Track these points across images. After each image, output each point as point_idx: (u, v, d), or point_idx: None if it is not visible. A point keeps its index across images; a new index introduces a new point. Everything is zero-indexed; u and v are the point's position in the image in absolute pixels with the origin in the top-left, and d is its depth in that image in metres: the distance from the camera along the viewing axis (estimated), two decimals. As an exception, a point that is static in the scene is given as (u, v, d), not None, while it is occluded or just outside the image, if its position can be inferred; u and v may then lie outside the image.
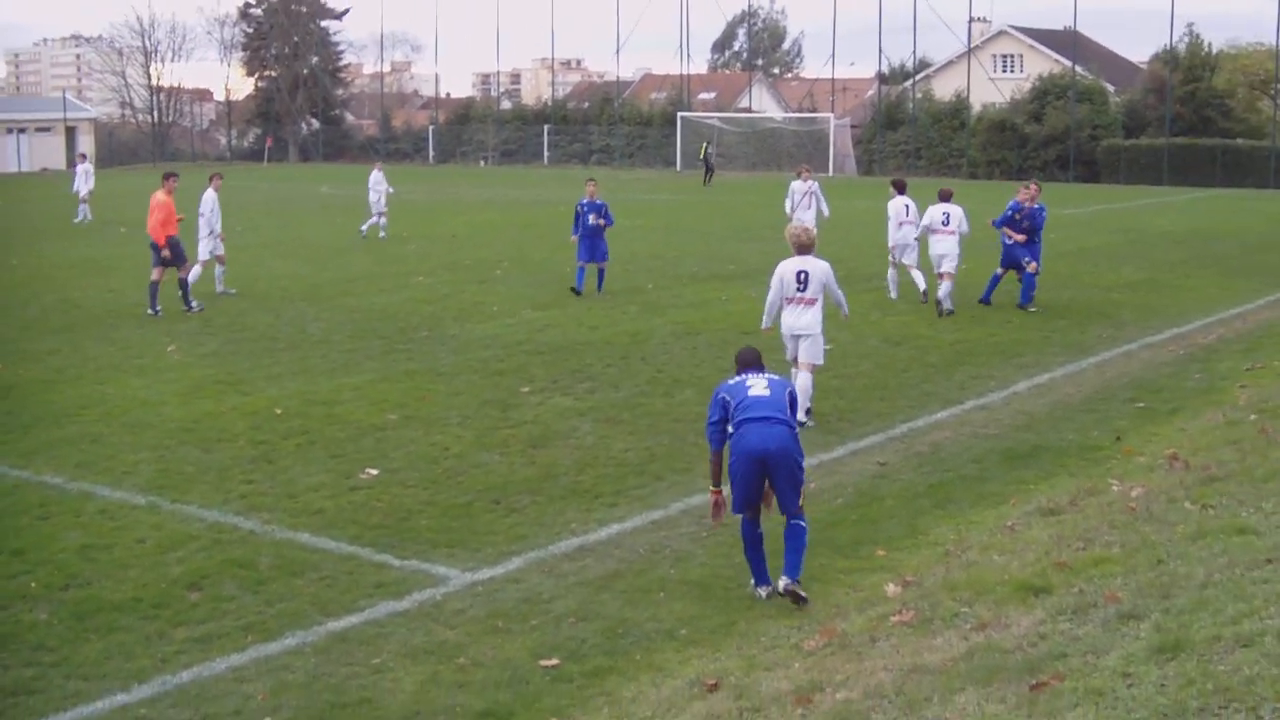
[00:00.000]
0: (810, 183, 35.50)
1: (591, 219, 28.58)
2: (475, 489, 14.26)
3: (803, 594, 10.78)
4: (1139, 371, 20.32)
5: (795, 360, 17.23)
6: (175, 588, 11.41)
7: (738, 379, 11.37)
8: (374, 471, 14.83)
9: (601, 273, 28.75)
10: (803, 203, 35.02)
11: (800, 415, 15.20)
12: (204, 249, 28.55)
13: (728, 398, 11.15)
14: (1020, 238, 25.86)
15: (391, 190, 42.38)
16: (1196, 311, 25.93)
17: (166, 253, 26.26)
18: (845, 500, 13.83)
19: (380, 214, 41.27)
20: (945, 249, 25.77)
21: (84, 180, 49.16)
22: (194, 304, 26.37)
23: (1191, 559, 9.51)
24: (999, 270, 26.33)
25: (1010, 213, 26.24)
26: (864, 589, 10.99)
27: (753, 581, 11.22)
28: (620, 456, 15.49)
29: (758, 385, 11.17)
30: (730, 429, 11.08)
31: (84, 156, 54.95)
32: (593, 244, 28.59)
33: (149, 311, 25.80)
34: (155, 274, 26.33)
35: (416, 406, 18.00)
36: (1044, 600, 9.29)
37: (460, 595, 11.27)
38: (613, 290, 28.41)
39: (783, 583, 10.84)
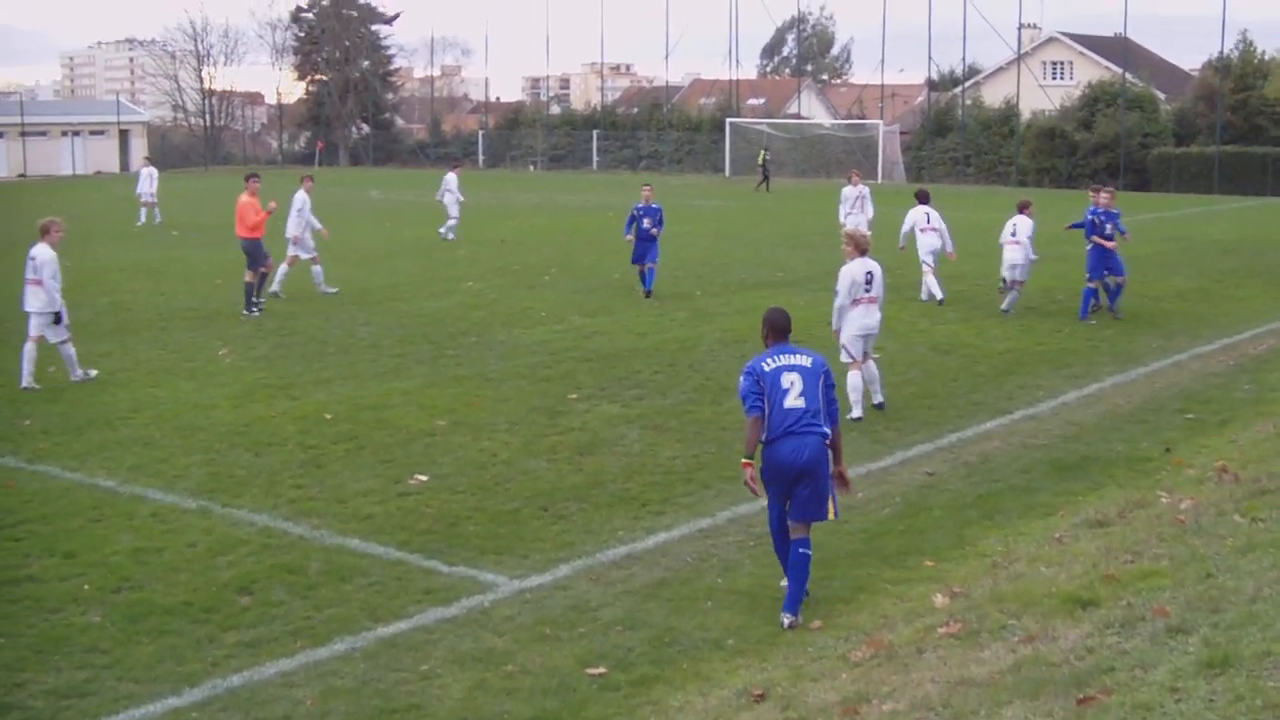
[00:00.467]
0: (861, 187, 35.93)
1: (646, 223, 29.27)
2: (523, 496, 14.31)
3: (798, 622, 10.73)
4: (1189, 382, 20.23)
5: (863, 357, 17.79)
6: (226, 592, 11.50)
7: (772, 361, 11.16)
8: (423, 477, 14.90)
9: (651, 273, 29.39)
10: (856, 207, 35.43)
11: (878, 397, 18.06)
12: (295, 249, 29.30)
13: (762, 384, 11.05)
14: (1111, 244, 25.78)
15: (462, 199, 42.81)
16: (1247, 321, 25.79)
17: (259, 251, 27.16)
18: (893, 510, 13.82)
19: (452, 217, 42.04)
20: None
21: (148, 183, 49.96)
22: (255, 309, 26.72)
23: (1241, 573, 9.46)
24: (1090, 284, 26.18)
25: (1091, 217, 26.05)
26: (911, 600, 10.98)
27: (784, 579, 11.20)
28: (668, 464, 15.52)
29: (793, 384, 10.98)
30: (765, 422, 10.97)
31: (149, 160, 55.94)
32: (645, 246, 29.34)
33: (243, 313, 26.58)
34: (248, 275, 26.94)
35: (465, 412, 18.08)
36: (1092, 613, 9.26)
37: (508, 602, 11.31)
38: (661, 296, 28.46)
39: (786, 620, 10.74)
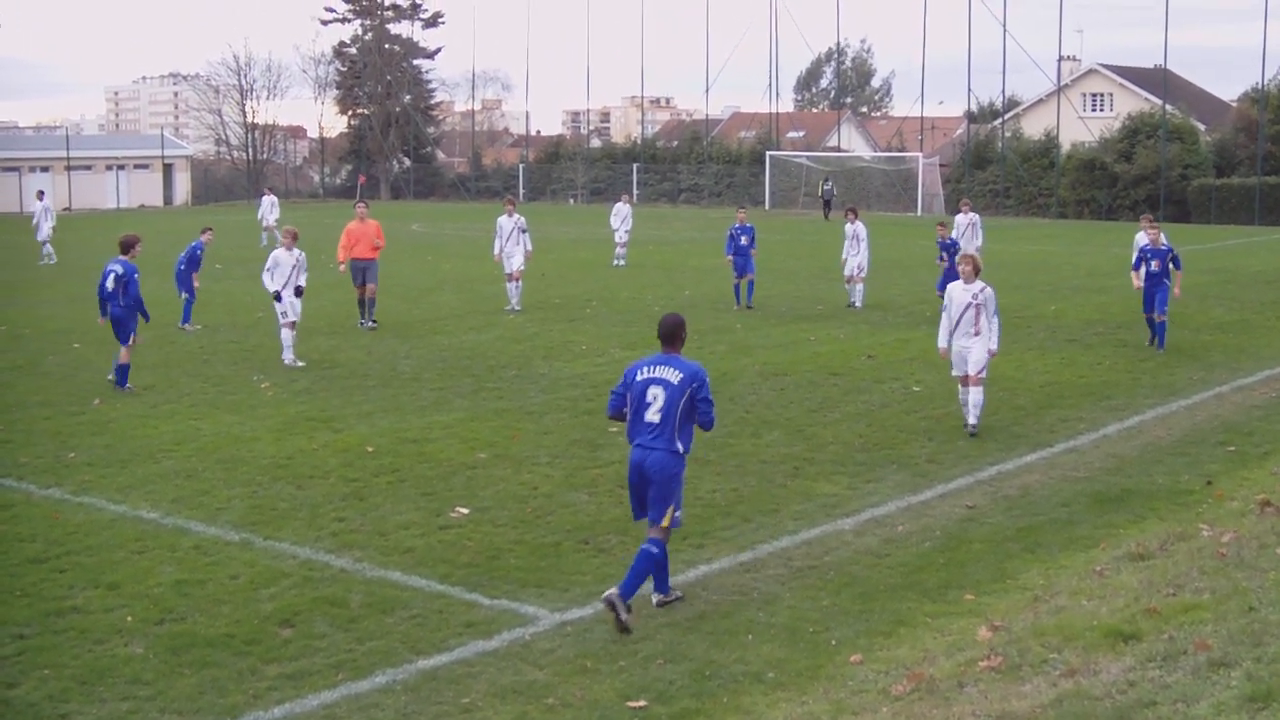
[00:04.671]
0: (972, 215, 38.52)
1: (743, 240, 33.61)
2: (564, 528, 14.35)
3: (622, 614, 11.26)
4: (1230, 414, 20.15)
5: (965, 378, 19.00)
6: (268, 624, 11.56)
7: (645, 371, 11.84)
8: (464, 510, 14.94)
9: (751, 284, 33.76)
10: (966, 234, 37.30)
11: (973, 420, 18.77)
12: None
13: (625, 387, 11.93)
14: (1176, 292, 26.14)
15: (630, 228, 46.42)
16: (1290, 354, 25.66)
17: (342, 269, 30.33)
18: (933, 544, 13.80)
19: (621, 244, 45.90)
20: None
21: (269, 209, 51.87)
22: (368, 322, 29.73)
23: (1283, 607, 9.44)
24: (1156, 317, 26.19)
25: (1140, 252, 26.62)
26: (952, 633, 10.97)
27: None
28: (708, 497, 15.54)
29: (655, 398, 11.67)
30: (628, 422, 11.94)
31: (271, 189, 58.22)
32: (744, 262, 33.66)
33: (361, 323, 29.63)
34: (358, 293, 30.04)
35: (506, 445, 18.14)
36: (1133, 647, 9.24)
37: (549, 635, 11.34)
38: (700, 330, 28.49)
39: (610, 592, 11.39)
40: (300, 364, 24.51)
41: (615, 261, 45.46)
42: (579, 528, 14.37)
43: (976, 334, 18.68)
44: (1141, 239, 27.76)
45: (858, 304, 33.15)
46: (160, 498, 15.59)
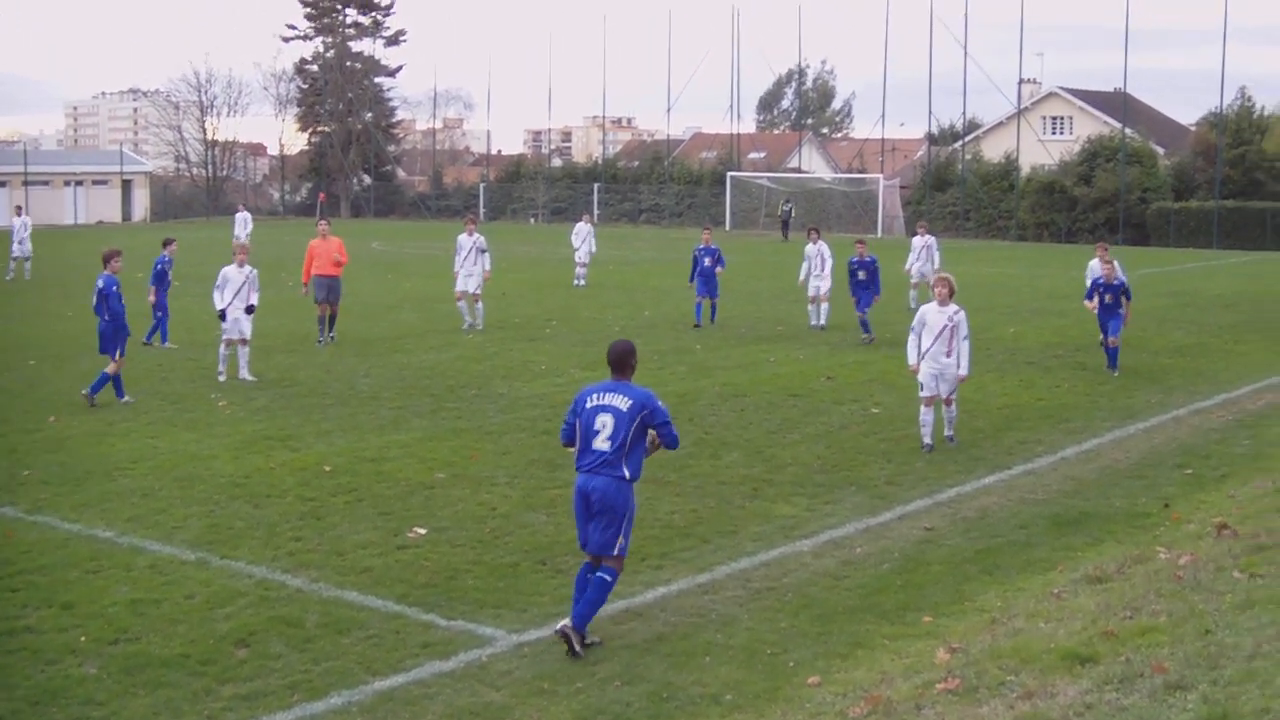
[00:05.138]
0: (928, 237, 38.44)
1: (707, 261, 33.97)
2: (522, 549, 14.30)
3: (575, 646, 11.23)
4: (1187, 437, 20.23)
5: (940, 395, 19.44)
6: (223, 644, 11.47)
7: (594, 399, 11.77)
8: (421, 530, 14.88)
9: (714, 306, 34.12)
10: (922, 256, 37.55)
11: (949, 431, 19.53)
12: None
13: (575, 415, 11.85)
14: (1126, 315, 26.33)
15: (593, 250, 46.49)
16: (1246, 377, 25.80)
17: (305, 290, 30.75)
18: (891, 566, 13.80)
19: (582, 264, 45.97)
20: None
21: (243, 226, 52.26)
22: (326, 339, 30.02)
23: (1240, 629, 9.47)
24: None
25: (1093, 284, 26.93)
26: (910, 655, 10.96)
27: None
28: (666, 519, 15.50)
29: (604, 425, 11.61)
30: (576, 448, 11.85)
31: (245, 205, 59.17)
32: (709, 282, 33.90)
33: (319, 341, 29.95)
34: (319, 310, 30.23)
35: (464, 465, 18.09)
36: (1090, 669, 9.26)
37: (506, 656, 11.29)
38: (660, 350, 28.52)
39: (562, 623, 11.38)
40: (252, 379, 24.46)
41: (576, 281, 45.43)
42: (537, 548, 14.32)
43: (949, 355, 18.96)
44: (1095, 268, 27.95)
45: (822, 324, 33.02)
46: (115, 516, 15.47)
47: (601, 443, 11.58)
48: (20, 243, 48.18)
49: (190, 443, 19.46)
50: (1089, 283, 27.69)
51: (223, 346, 24.85)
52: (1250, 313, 37.66)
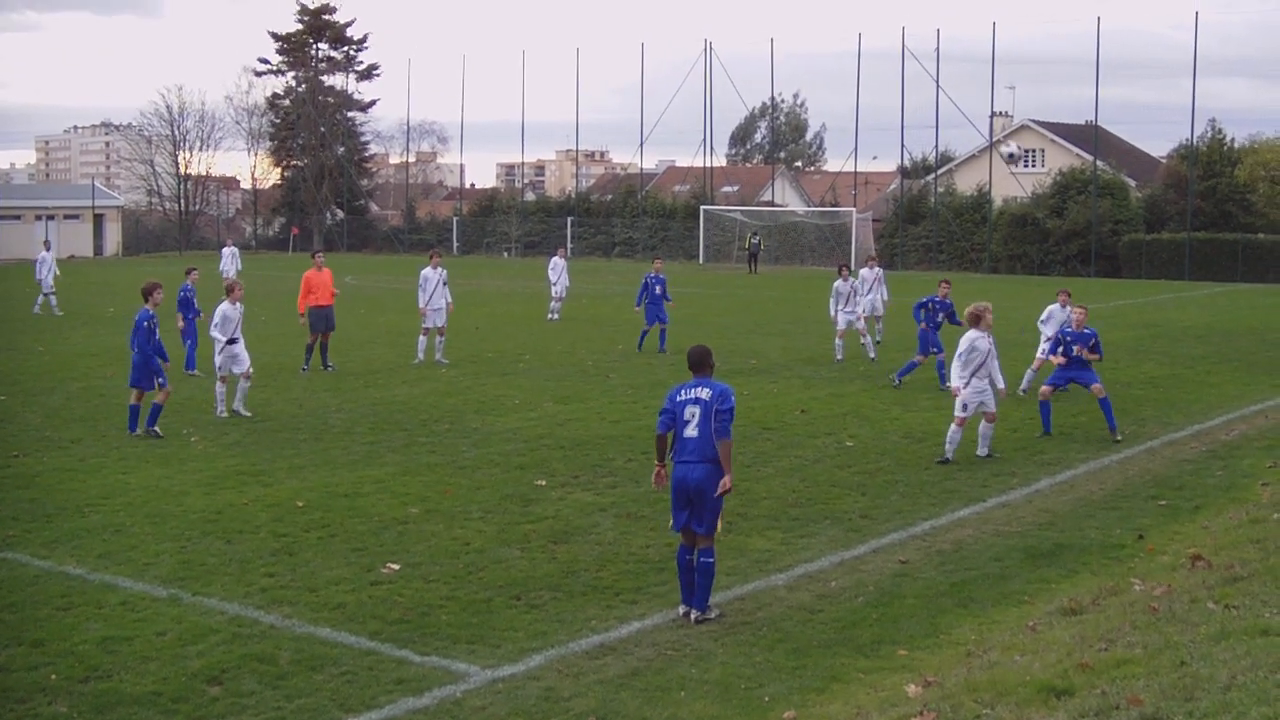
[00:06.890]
0: (877, 269, 37.86)
1: (658, 290, 35.41)
2: (496, 585, 14.24)
3: (710, 616, 13.02)
4: (1161, 469, 20.27)
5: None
6: (195, 681, 11.39)
7: (684, 394, 13.28)
8: (395, 566, 14.82)
9: (663, 333, 35.37)
10: (872, 288, 36.88)
11: (985, 449, 20.95)
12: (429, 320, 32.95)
13: (670, 408, 13.32)
14: (1094, 357, 23.07)
15: (568, 284, 46.92)
16: (1219, 407, 25.90)
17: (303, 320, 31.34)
18: (866, 599, 13.78)
19: (556, 298, 46.05)
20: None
21: (230, 262, 52.11)
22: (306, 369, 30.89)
23: (1215, 660, 9.47)
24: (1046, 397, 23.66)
25: (1059, 336, 23.99)
26: (885, 689, 10.93)
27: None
28: (641, 553, 15.47)
29: (693, 416, 13.09)
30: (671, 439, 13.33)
31: (231, 241, 59.49)
32: (657, 309, 35.36)
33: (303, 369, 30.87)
34: (312, 339, 31.19)
35: (438, 500, 18.02)
36: (1066, 702, 9.24)
37: (480, 692, 11.23)
38: (635, 385, 28.50)
39: (693, 615, 13.02)
40: (224, 414, 24.38)
41: (550, 315, 45.45)
42: (511, 584, 14.27)
43: (986, 378, 20.58)
44: (1059, 314, 26.52)
45: (871, 355, 33.30)
46: (87, 553, 15.38)
47: (691, 430, 13.05)
48: (42, 279, 48.25)
49: (162, 478, 19.36)
50: (1047, 332, 26.59)
51: (219, 384, 24.72)
52: (1222, 344, 37.78)
